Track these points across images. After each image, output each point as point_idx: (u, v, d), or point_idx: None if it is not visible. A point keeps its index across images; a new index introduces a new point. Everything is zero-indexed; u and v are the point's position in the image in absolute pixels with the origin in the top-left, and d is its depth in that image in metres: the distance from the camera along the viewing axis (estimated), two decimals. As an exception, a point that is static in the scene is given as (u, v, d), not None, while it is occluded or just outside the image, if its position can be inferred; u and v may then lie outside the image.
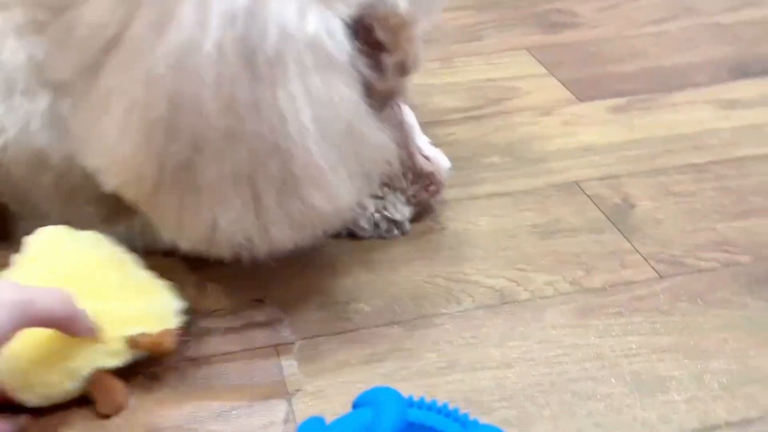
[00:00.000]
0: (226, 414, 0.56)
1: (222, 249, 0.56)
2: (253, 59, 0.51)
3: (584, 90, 0.96)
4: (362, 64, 0.56)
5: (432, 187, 0.74)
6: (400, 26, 0.57)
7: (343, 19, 0.54)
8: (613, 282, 0.68)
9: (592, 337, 0.62)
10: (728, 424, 0.56)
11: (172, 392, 0.58)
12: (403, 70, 0.59)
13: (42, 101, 0.61)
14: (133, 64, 0.53)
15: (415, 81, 0.86)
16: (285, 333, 0.62)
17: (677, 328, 0.63)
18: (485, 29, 1.10)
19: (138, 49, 0.53)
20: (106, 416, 0.55)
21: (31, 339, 0.52)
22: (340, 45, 0.53)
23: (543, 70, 1.01)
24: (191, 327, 0.62)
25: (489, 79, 0.98)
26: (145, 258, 0.61)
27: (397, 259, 0.70)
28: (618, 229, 0.74)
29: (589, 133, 0.88)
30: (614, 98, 0.95)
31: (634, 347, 0.62)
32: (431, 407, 0.53)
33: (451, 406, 0.54)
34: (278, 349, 0.61)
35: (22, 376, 0.53)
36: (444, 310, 0.65)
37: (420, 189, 0.74)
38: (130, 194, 0.57)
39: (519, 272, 0.69)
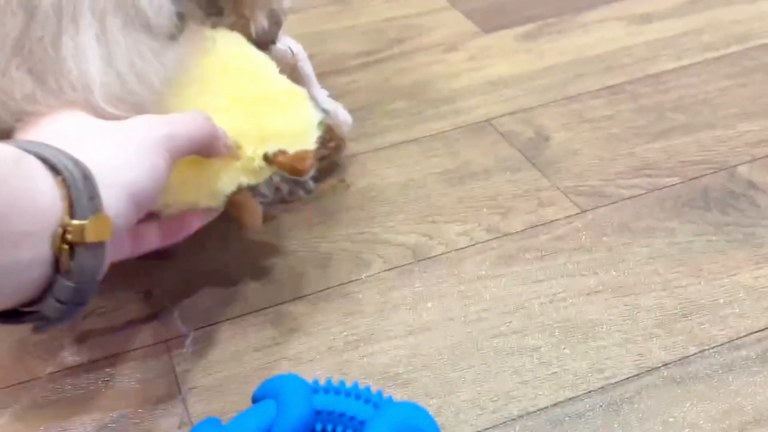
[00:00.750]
0: (112, 427, 0.49)
1: None
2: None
3: (489, 20, 0.90)
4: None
5: (332, 144, 0.68)
6: None
7: None
8: (532, 223, 0.63)
9: (514, 286, 0.57)
10: (666, 365, 0.52)
11: (51, 406, 0.51)
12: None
13: None
14: None
15: (310, 28, 0.80)
16: (175, 325, 0.56)
17: (603, 265, 0.59)
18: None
19: None
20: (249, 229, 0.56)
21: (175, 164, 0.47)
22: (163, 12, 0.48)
23: (444, 3, 0.94)
24: (70, 332, 0.55)
25: (388, 19, 0.92)
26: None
27: (297, 225, 0.64)
28: (533, 164, 0.69)
29: (497, 65, 0.82)
30: (522, 26, 0.89)
31: (559, 292, 0.57)
32: (339, 390, 0.47)
33: (364, 383, 0.48)
34: (168, 344, 0.55)
35: (170, 198, 0.50)
36: (353, 277, 0.59)
37: (320, 147, 0.68)
38: None
39: (431, 225, 0.63)
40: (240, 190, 0.52)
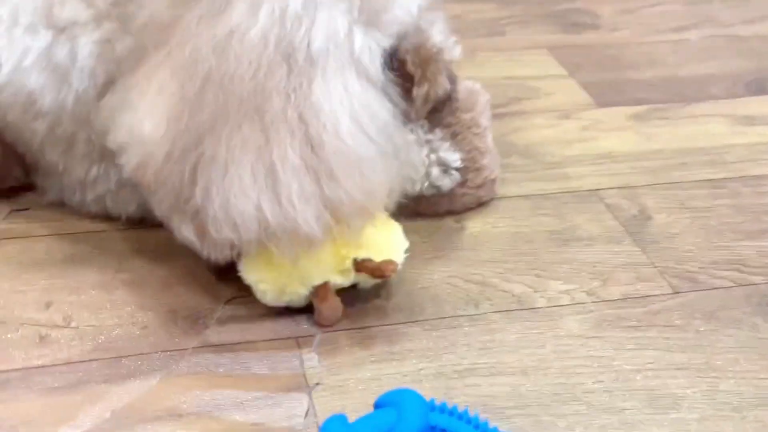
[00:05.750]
0: (248, 404, 0.56)
1: (222, 234, 0.56)
2: (293, 54, 0.55)
3: (604, 94, 0.97)
4: (394, 92, 0.61)
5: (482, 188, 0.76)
6: (429, 58, 0.63)
7: (382, 47, 0.59)
8: (629, 294, 0.69)
9: (608, 350, 0.63)
10: (737, 445, 0.57)
11: (194, 377, 0.58)
12: (428, 99, 0.65)
13: (41, 40, 0.63)
14: (176, 51, 0.55)
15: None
16: (305, 325, 0.63)
17: (690, 345, 0.64)
18: (508, 24, 1.10)
19: (183, 39, 0.54)
20: (324, 325, 0.62)
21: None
22: (378, 68, 0.58)
23: (563, 71, 1.01)
24: (214, 313, 0.62)
25: (509, 77, 0.99)
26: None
27: (416, 256, 0.70)
28: (634, 240, 0.75)
29: (607, 139, 0.89)
30: (633, 105, 0.95)
31: (649, 362, 0.63)
32: (452, 412, 0.54)
33: (470, 412, 0.54)
34: (299, 341, 0.61)
35: (266, 275, 0.61)
36: (462, 312, 0.66)
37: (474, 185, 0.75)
38: (143, 175, 0.57)
39: (536, 278, 0.70)
40: (326, 284, 0.61)
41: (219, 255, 0.58)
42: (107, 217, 0.71)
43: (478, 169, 0.74)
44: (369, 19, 0.58)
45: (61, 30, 0.64)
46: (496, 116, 0.90)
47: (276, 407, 0.56)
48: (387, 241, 0.64)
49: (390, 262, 0.62)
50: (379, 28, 0.59)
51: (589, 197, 0.80)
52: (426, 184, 0.72)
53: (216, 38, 0.55)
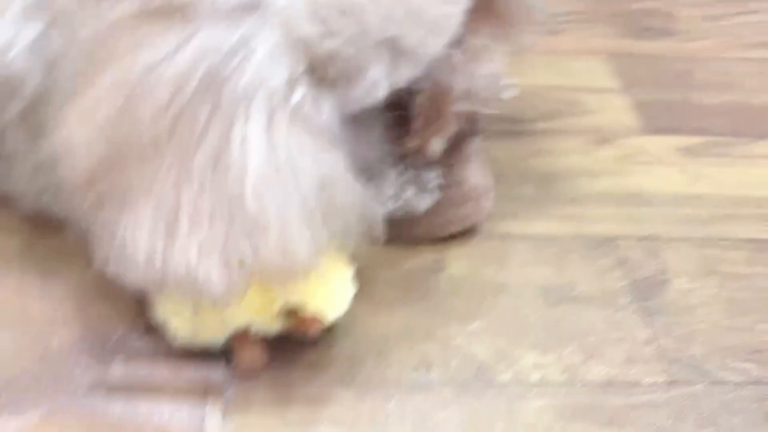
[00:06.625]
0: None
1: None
2: (219, 91, 0.48)
3: (656, 117, 0.84)
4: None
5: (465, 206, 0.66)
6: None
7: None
8: (614, 378, 0.58)
9: (566, 448, 0.54)
10: None
11: (76, 421, 0.52)
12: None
13: (34, 26, 0.58)
14: (111, 68, 0.51)
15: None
16: (220, 371, 0.55)
17: (671, 456, 0.54)
18: (567, 23, 0.98)
19: (118, 57, 0.50)
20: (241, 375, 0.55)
21: None
22: (327, 116, 0.51)
23: (616, 85, 0.88)
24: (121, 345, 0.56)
25: (549, 87, 0.87)
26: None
27: (376, 297, 0.62)
28: (640, 308, 0.64)
29: (644, 175, 0.77)
30: (688, 135, 0.82)
31: (612, 472, 0.53)
32: None
33: None
34: (209, 389, 0.55)
35: (190, 317, 0.54)
36: (407, 378, 0.57)
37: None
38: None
39: (508, 344, 0.60)
40: (246, 330, 0.54)
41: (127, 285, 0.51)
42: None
43: (459, 183, 0.65)
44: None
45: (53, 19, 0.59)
46: (517, 134, 0.80)
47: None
48: (326, 286, 0.55)
49: (314, 320, 0.54)
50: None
51: (601, 247, 0.69)
52: (398, 204, 0.63)
53: (144, 63, 0.49)
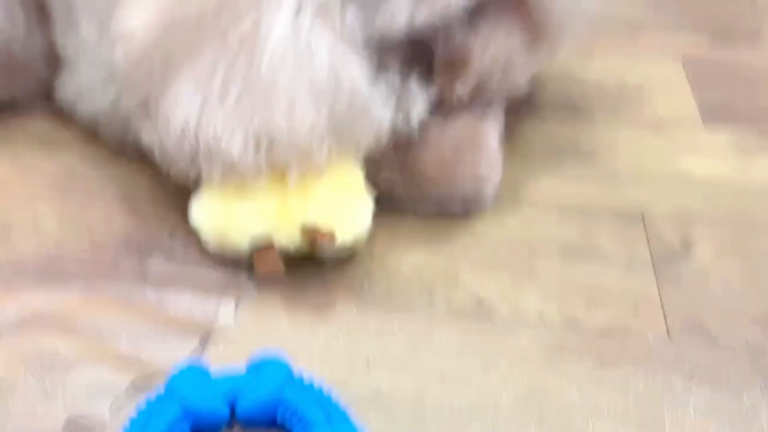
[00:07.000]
0: (142, 336, 0.57)
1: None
2: None
3: (718, 119, 0.85)
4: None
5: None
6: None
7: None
8: (613, 326, 0.60)
9: (553, 384, 0.56)
10: None
11: (111, 302, 0.59)
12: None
13: None
14: None
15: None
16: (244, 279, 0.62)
17: (647, 404, 0.55)
18: (644, 24, 1.00)
19: None
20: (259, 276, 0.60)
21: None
22: (349, 24, 0.57)
23: (686, 87, 0.90)
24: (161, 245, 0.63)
25: (619, 84, 0.89)
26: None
27: (399, 237, 0.66)
28: (656, 273, 0.65)
29: (694, 163, 0.78)
30: (746, 135, 0.82)
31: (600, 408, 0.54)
32: (310, 391, 0.50)
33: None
34: (228, 291, 0.61)
35: (213, 226, 0.60)
36: (408, 302, 0.61)
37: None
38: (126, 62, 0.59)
39: (513, 287, 0.63)
40: (267, 240, 0.58)
41: (175, 169, 0.58)
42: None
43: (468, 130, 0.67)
44: None
45: None
46: (573, 119, 0.83)
47: (165, 344, 0.56)
48: (341, 208, 0.60)
49: (327, 234, 0.58)
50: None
51: (633, 219, 0.71)
52: (400, 116, 0.64)
53: None
